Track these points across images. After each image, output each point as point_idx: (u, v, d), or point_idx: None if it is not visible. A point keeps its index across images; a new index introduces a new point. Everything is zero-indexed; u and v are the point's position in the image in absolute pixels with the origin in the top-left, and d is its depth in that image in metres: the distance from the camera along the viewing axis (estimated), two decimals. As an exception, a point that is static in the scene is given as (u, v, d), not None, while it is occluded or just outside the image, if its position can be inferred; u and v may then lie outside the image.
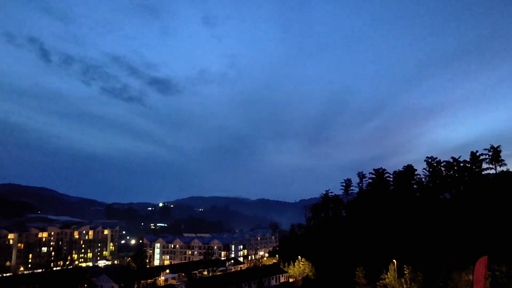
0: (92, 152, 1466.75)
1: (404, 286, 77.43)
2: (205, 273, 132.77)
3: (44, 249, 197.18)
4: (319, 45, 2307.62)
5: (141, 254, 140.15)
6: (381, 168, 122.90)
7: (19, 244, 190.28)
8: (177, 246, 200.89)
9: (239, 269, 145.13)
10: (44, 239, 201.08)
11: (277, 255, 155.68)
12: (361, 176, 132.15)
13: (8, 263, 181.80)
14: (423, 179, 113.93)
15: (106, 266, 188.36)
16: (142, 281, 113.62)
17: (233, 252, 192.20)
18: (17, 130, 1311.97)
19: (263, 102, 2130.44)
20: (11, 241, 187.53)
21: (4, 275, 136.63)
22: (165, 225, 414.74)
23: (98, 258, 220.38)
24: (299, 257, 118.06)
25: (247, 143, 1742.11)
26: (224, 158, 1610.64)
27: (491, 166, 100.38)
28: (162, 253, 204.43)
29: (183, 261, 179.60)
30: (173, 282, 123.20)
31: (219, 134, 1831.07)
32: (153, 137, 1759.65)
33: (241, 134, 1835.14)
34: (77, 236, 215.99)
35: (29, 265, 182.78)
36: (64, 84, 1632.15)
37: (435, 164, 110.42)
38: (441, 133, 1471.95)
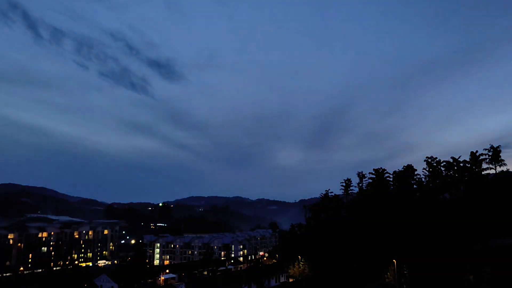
0: (92, 150, 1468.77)
1: (404, 286, 77.42)
2: (205, 273, 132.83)
3: (44, 249, 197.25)
4: (330, 41, 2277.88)
5: (141, 254, 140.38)
6: (381, 168, 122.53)
7: (19, 244, 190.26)
8: (177, 246, 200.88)
9: (239, 269, 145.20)
10: (44, 239, 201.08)
11: (277, 255, 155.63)
12: (361, 176, 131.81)
13: (8, 263, 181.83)
14: (423, 179, 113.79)
15: (106, 266, 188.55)
16: (142, 281, 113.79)
17: (233, 252, 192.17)
18: (15, 128, 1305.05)
19: (270, 97, 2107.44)
20: (11, 241, 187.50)
21: (4, 275, 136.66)
22: (165, 225, 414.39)
23: (98, 258, 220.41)
24: (299, 257, 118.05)
25: (249, 142, 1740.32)
26: (224, 157, 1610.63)
27: (491, 166, 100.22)
28: (162, 253, 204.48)
29: (183, 261, 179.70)
30: (173, 282, 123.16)
31: (220, 132, 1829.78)
32: (154, 132, 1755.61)
33: (243, 133, 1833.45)
34: (77, 236, 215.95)
35: (29, 265, 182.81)
36: (58, 68, 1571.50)
37: (435, 164, 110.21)
38: (441, 134, 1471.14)
